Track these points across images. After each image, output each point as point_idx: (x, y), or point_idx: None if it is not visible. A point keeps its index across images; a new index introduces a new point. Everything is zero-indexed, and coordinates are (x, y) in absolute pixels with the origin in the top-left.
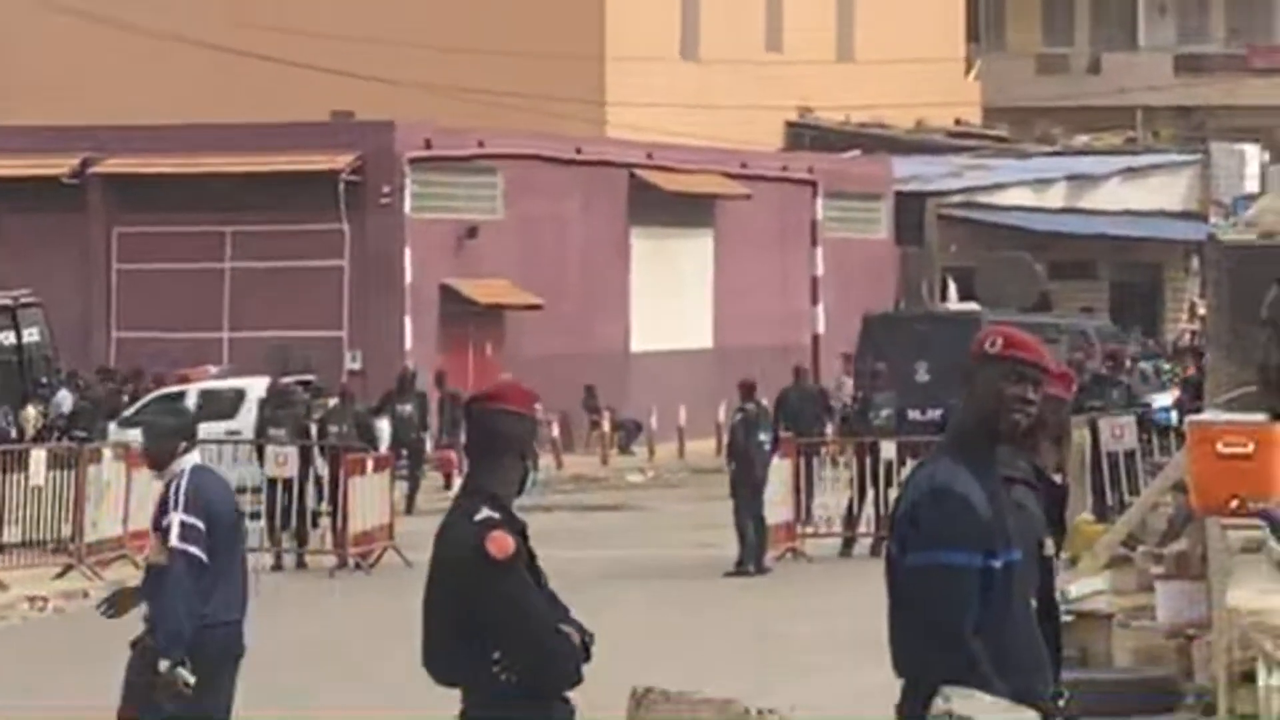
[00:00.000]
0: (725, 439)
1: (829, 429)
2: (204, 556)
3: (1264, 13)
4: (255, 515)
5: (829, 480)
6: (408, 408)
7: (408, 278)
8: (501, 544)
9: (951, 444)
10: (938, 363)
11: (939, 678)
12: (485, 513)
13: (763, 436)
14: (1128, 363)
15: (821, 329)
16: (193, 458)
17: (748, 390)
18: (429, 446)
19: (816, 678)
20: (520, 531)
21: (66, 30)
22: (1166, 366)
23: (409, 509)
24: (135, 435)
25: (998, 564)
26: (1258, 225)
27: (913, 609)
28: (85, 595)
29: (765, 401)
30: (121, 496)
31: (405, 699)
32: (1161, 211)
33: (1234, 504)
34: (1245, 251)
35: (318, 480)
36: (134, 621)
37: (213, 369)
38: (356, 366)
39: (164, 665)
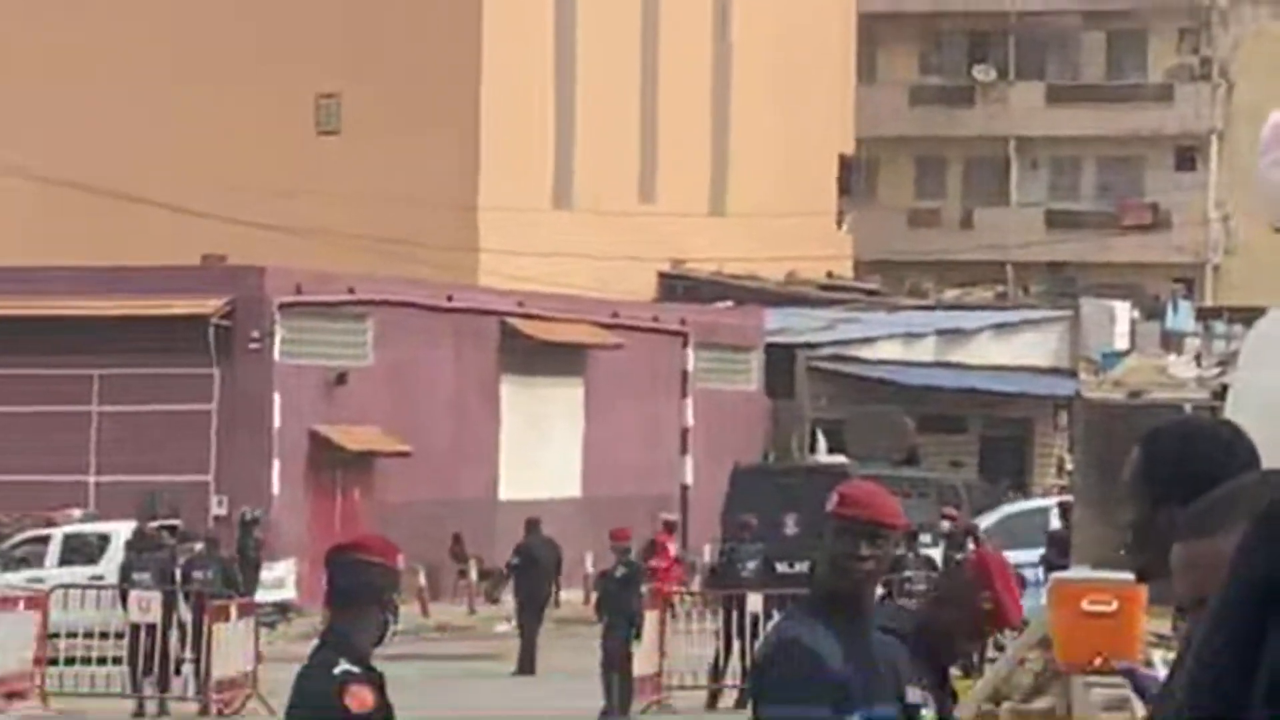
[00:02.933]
0: (595, 591)
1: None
2: None
3: (1134, 171)
4: (118, 660)
5: (695, 633)
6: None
7: (276, 423)
8: (360, 698)
9: (810, 599)
10: (806, 515)
11: None
12: (344, 666)
13: (643, 589)
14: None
15: (690, 479)
16: None
17: (624, 542)
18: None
19: None
20: (378, 685)
21: None
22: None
23: None
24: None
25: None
26: (1125, 383)
27: None
28: None
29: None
30: None
31: None
32: (1031, 367)
33: (1098, 661)
34: (1112, 409)
35: (181, 626)
36: None
37: (77, 513)
38: (223, 512)
39: None
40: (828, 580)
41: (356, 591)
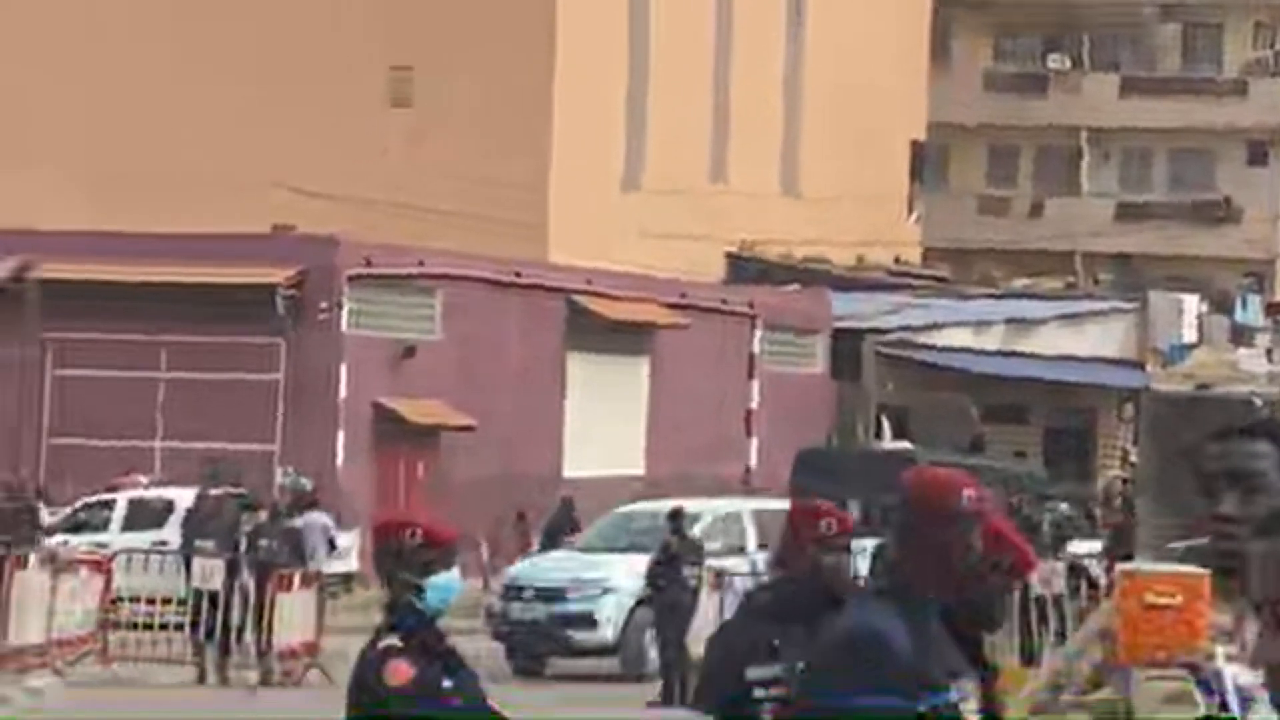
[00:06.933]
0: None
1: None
2: None
3: (1206, 164)
4: (179, 627)
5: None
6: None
7: (342, 394)
8: (398, 671)
9: (886, 586)
10: (869, 501)
11: None
12: (389, 640)
13: (691, 568)
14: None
15: (754, 461)
16: None
17: (678, 520)
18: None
19: None
20: (437, 650)
21: (4, 134)
22: (1097, 513)
23: None
24: (70, 542)
25: (922, 708)
26: (1194, 376)
27: None
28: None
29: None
30: (46, 603)
31: None
32: (1098, 357)
33: (1160, 655)
34: (1180, 401)
35: (244, 594)
36: None
37: (143, 479)
38: (287, 481)
39: None
40: (945, 575)
41: (407, 567)
